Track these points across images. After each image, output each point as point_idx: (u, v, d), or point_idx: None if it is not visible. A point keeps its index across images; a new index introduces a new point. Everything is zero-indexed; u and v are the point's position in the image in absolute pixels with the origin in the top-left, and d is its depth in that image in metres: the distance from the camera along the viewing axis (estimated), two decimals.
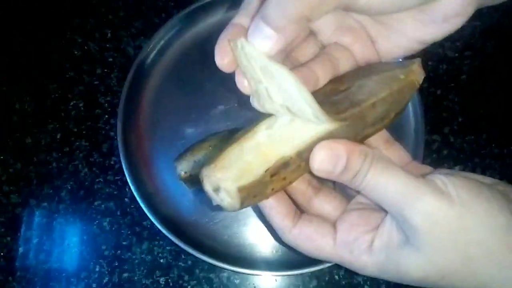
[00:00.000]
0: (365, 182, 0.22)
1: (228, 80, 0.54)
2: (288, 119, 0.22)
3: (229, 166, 0.21)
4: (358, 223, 0.24)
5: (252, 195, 0.22)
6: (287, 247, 0.43)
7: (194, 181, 0.43)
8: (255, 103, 0.23)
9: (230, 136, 0.43)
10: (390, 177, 0.21)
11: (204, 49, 0.51)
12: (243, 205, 0.22)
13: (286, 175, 0.22)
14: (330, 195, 0.26)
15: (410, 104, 0.48)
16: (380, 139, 0.27)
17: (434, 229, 0.20)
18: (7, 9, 0.56)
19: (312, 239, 0.24)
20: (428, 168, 0.26)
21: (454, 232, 0.20)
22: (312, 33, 0.26)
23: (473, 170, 0.47)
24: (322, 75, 0.24)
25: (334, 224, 0.25)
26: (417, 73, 0.25)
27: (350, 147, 0.22)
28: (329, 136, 0.22)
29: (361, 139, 0.24)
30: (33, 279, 0.43)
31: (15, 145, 0.49)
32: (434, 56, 0.53)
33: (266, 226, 0.44)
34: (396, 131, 0.47)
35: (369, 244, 0.23)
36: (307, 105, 0.21)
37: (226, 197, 0.22)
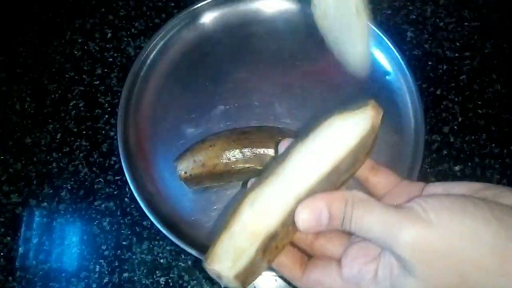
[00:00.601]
0: (353, 225, 0.23)
1: (228, 80, 0.54)
2: (272, 183, 0.24)
3: (222, 256, 0.23)
4: (358, 255, 0.25)
5: (251, 274, 0.24)
6: None
7: (194, 181, 0.43)
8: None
9: (230, 136, 0.43)
10: (371, 216, 0.22)
11: (204, 49, 0.51)
12: (247, 284, 0.24)
13: (277, 244, 0.24)
14: (328, 235, 0.27)
15: (410, 104, 0.48)
16: (365, 169, 0.28)
17: (423, 258, 0.21)
18: (7, 9, 0.56)
19: (321, 282, 0.25)
20: (419, 185, 0.26)
21: (443, 255, 0.20)
22: None
23: (473, 170, 0.47)
24: None
25: (339, 261, 0.26)
26: (374, 117, 0.25)
27: (329, 198, 0.23)
28: (308, 194, 0.23)
29: (339, 186, 0.25)
30: (33, 279, 0.43)
31: (15, 145, 0.49)
32: (434, 57, 0.53)
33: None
34: (396, 131, 0.48)
35: (373, 274, 0.23)
36: None
37: (229, 282, 0.23)
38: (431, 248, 0.20)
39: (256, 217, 0.23)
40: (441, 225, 0.20)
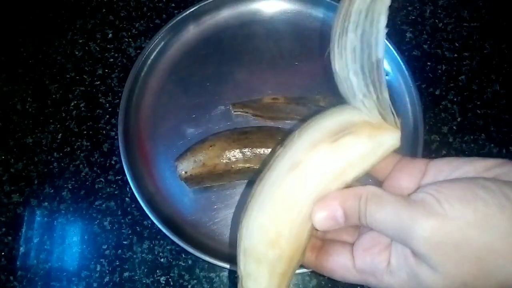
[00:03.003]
0: (368, 220, 0.23)
1: (228, 80, 0.55)
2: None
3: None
4: (369, 245, 0.25)
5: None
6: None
7: (195, 181, 0.43)
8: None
9: (230, 136, 0.43)
10: (384, 212, 0.22)
11: (204, 49, 0.52)
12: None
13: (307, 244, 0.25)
14: None
15: (409, 104, 0.48)
16: None
17: (440, 250, 0.20)
18: (8, 9, 0.56)
19: (335, 271, 0.26)
20: (423, 162, 0.26)
21: (459, 246, 0.20)
22: None
23: None
24: None
25: (352, 247, 0.26)
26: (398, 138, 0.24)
27: (342, 196, 0.23)
28: (322, 194, 0.23)
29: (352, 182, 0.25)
30: (34, 278, 0.43)
31: (16, 145, 0.49)
32: (433, 57, 0.53)
33: None
34: None
35: (386, 264, 0.23)
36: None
37: None
38: (447, 240, 0.20)
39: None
40: (455, 216, 0.20)
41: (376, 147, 0.24)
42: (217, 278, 0.43)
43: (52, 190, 0.47)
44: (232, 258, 0.41)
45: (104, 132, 0.49)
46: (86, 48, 0.54)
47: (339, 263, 0.25)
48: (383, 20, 0.21)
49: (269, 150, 0.43)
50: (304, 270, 0.41)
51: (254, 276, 0.24)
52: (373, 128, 0.24)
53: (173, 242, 0.42)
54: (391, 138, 0.24)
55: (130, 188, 0.43)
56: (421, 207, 0.21)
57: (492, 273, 0.20)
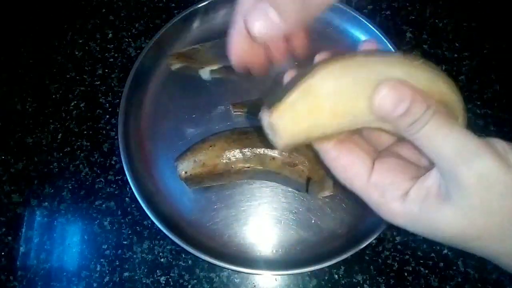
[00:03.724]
0: (422, 132, 0.21)
1: (228, 80, 0.55)
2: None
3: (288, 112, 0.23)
4: (396, 169, 0.23)
5: (301, 139, 0.23)
6: (286, 247, 0.43)
7: (195, 180, 0.43)
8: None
9: (230, 136, 0.43)
10: (450, 133, 0.21)
11: (203, 45, 0.52)
12: (289, 145, 0.24)
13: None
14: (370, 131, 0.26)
15: None
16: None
17: (486, 191, 0.20)
18: (8, 9, 0.56)
19: (346, 169, 0.24)
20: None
21: (506, 197, 0.20)
22: None
23: None
24: None
25: (373, 161, 0.24)
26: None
27: (415, 93, 0.21)
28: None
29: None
30: (34, 278, 0.43)
31: (16, 145, 0.49)
32: (433, 57, 0.53)
33: None
34: None
35: (403, 193, 0.23)
36: None
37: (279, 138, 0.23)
38: (499, 185, 0.20)
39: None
40: None
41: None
42: (217, 278, 0.43)
43: (52, 190, 0.47)
44: (232, 258, 0.41)
45: (104, 132, 0.49)
46: (86, 48, 0.54)
47: (355, 164, 0.24)
48: None
49: (269, 150, 0.43)
50: (304, 270, 0.41)
51: (291, 108, 0.22)
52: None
53: (173, 242, 0.42)
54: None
55: (130, 188, 0.43)
56: (490, 147, 0.20)
57: None
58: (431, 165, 0.23)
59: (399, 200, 0.23)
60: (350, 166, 0.24)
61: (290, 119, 0.22)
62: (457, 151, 0.20)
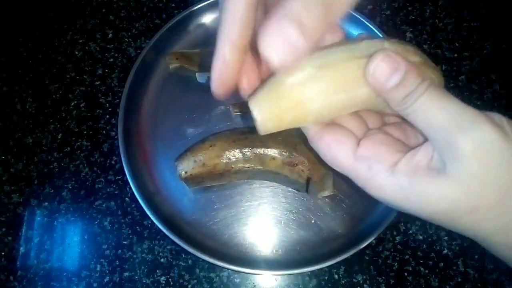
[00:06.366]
0: (415, 105, 0.21)
1: None
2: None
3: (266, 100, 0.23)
4: (382, 142, 0.23)
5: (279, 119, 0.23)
6: (286, 247, 0.43)
7: (195, 180, 0.43)
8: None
9: (230, 136, 0.43)
10: (446, 103, 0.20)
11: (204, 49, 0.52)
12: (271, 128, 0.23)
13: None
14: (355, 114, 0.25)
15: None
16: None
17: (483, 159, 0.19)
18: (8, 9, 0.56)
19: (330, 147, 0.23)
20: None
21: (503, 166, 0.19)
22: None
23: None
24: None
25: (358, 141, 0.23)
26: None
27: (410, 65, 0.21)
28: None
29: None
30: (34, 278, 0.43)
31: (16, 145, 0.49)
32: (433, 57, 0.53)
33: None
34: None
35: (391, 164, 0.22)
36: None
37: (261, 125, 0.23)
38: (497, 153, 0.19)
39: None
40: None
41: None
42: (217, 278, 0.43)
43: (52, 190, 0.47)
44: (232, 258, 0.41)
45: (104, 132, 0.49)
46: (86, 48, 0.54)
47: (339, 141, 0.23)
48: None
49: (269, 150, 0.43)
50: (304, 270, 0.41)
51: (267, 95, 0.22)
52: None
53: (173, 242, 0.42)
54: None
55: (130, 188, 0.43)
56: (488, 117, 0.20)
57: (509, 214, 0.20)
58: (421, 144, 0.22)
59: (387, 171, 0.22)
60: (334, 142, 0.23)
61: (267, 104, 0.22)
62: (453, 120, 0.20)
